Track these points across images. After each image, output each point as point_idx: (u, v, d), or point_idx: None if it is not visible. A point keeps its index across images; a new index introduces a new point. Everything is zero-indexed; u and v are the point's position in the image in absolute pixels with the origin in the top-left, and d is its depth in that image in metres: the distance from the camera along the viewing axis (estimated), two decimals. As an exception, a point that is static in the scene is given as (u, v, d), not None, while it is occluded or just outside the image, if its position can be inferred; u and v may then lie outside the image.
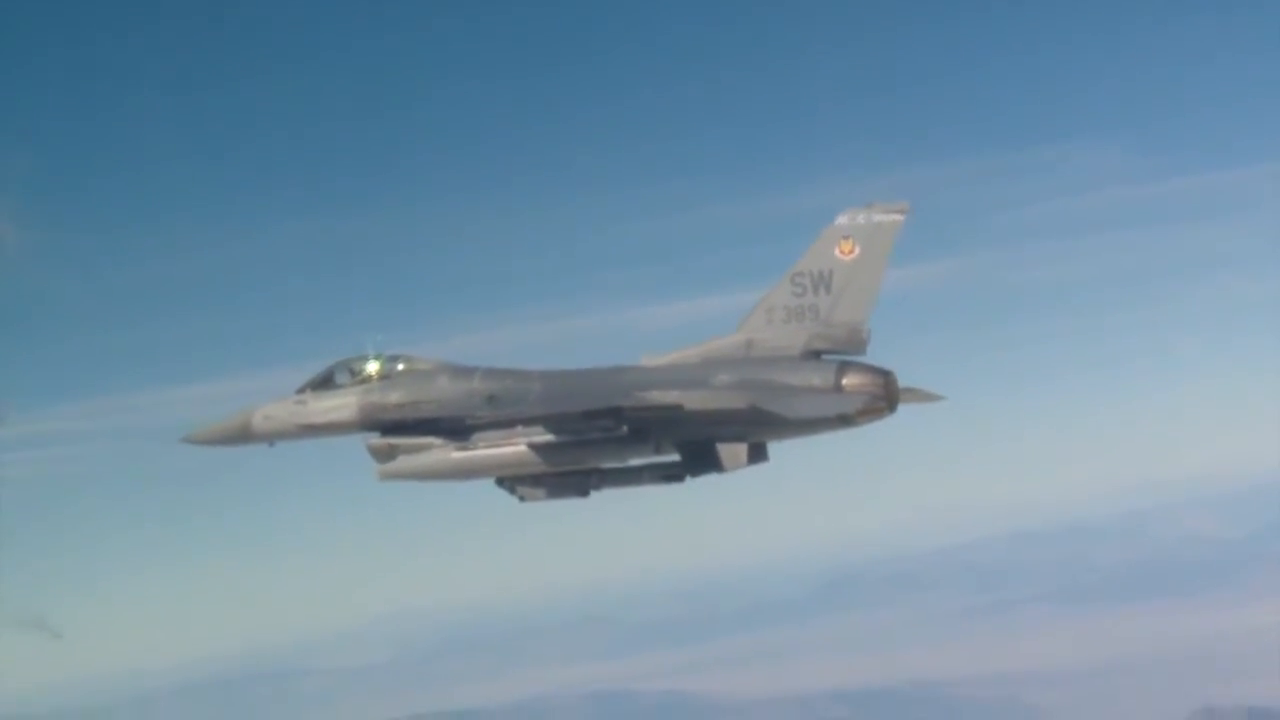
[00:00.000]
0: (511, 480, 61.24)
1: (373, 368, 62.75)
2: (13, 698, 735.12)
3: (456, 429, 60.81)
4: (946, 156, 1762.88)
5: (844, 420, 58.58)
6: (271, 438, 63.38)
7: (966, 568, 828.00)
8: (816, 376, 58.34)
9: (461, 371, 62.16)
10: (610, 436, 59.05)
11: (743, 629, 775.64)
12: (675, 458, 60.34)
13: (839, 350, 59.03)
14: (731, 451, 59.66)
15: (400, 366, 62.81)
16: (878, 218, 58.65)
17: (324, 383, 62.91)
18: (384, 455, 61.83)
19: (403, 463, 61.44)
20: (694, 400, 58.63)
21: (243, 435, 63.63)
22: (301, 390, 63.13)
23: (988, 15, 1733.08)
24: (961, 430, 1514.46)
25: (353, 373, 62.91)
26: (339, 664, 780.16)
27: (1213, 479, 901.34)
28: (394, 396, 62.29)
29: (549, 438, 59.17)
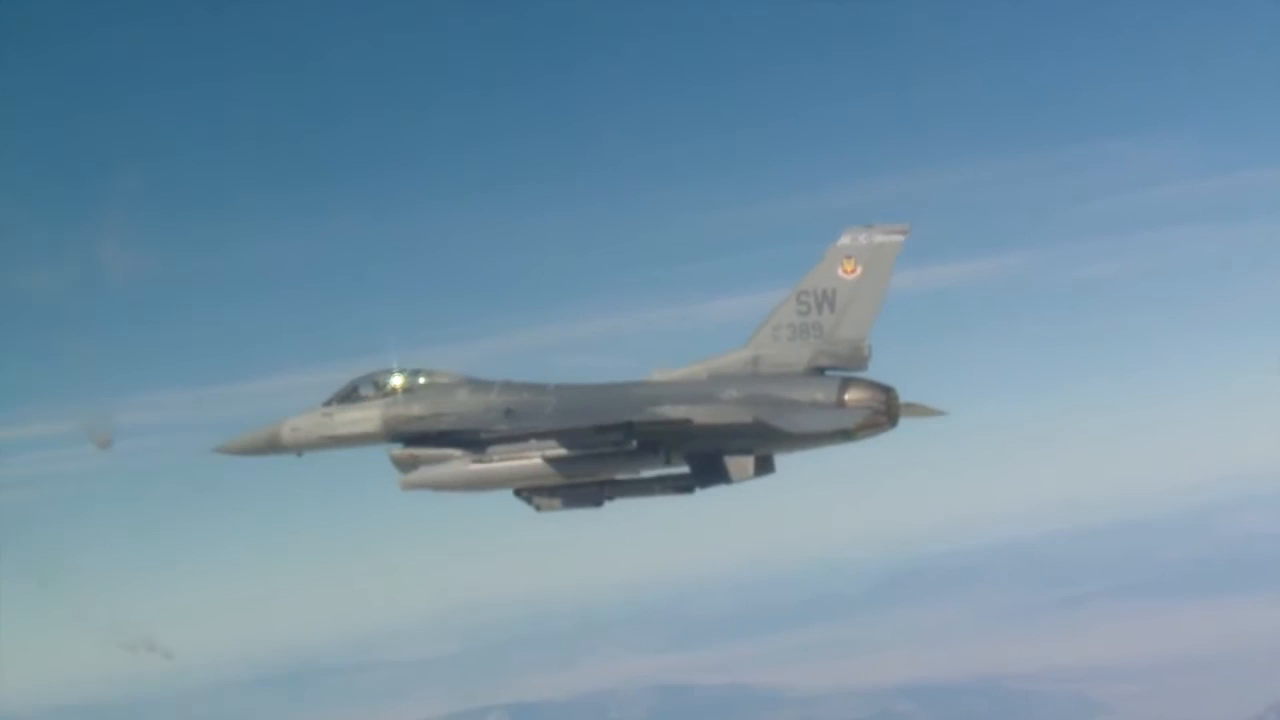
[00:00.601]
0: (528, 491, 63.06)
1: (396, 381, 64.70)
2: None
3: (475, 441, 62.48)
4: (1010, 150, 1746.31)
5: (845, 434, 60.67)
6: (300, 448, 65.54)
7: (1031, 563, 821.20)
8: (820, 392, 60.43)
9: (480, 385, 64.19)
10: (621, 450, 60.56)
11: (805, 623, 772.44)
12: (685, 469, 62.26)
13: (842, 366, 60.95)
14: (739, 464, 61.75)
15: (422, 380, 64.78)
16: (879, 238, 60.38)
17: (349, 396, 64.92)
18: (406, 465, 63.72)
19: (424, 473, 63.29)
20: (702, 415, 60.53)
21: (272, 446, 65.85)
22: (328, 403, 64.97)
23: (1053, 13, 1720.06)
24: (1027, 424, 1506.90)
25: (376, 386, 64.81)
26: (407, 657, 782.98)
27: (1275, 476, 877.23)
28: (416, 409, 64.19)
29: (563, 451, 60.75)
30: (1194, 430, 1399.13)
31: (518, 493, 63.69)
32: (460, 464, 62.86)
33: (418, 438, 64.15)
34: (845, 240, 60.87)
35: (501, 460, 62.10)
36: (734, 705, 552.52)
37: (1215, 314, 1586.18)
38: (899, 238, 60.87)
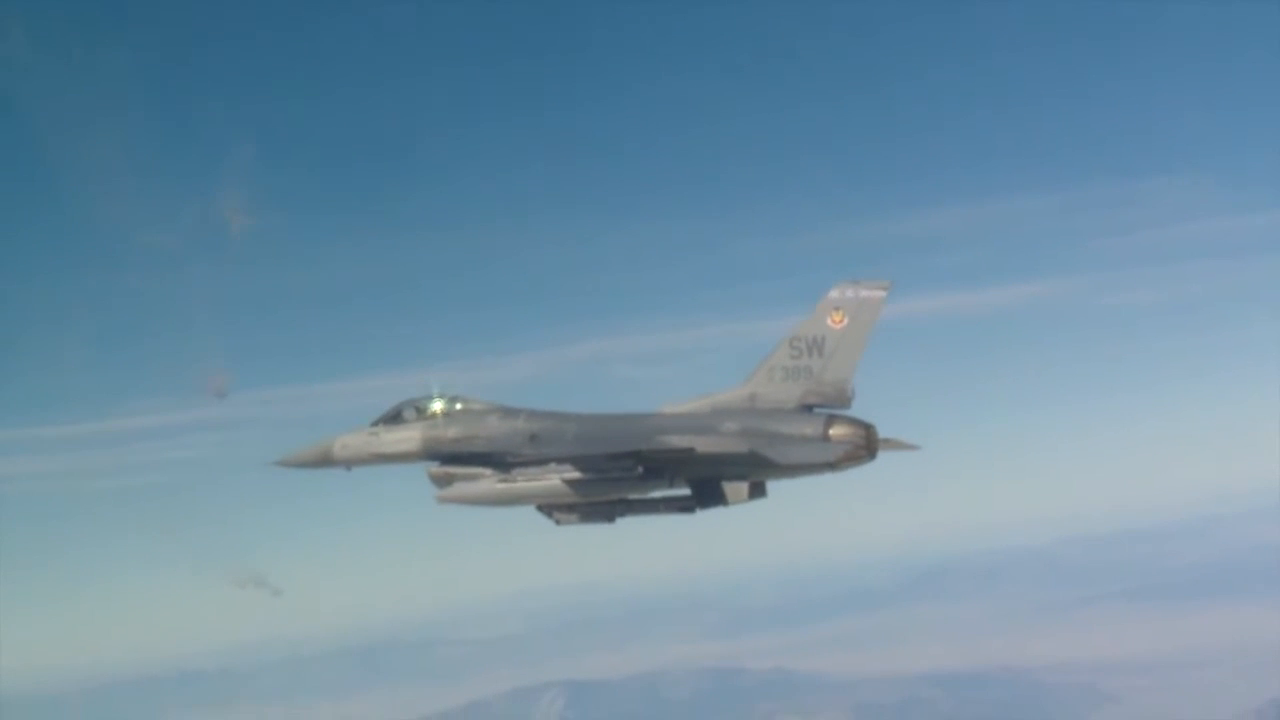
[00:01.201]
0: (549, 507, 64.33)
1: (435, 406, 66.23)
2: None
3: (502, 462, 64.19)
4: (1056, 187, 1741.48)
5: (829, 466, 62.13)
6: (349, 463, 67.13)
7: (1049, 565, 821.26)
8: (808, 427, 61.70)
9: (509, 412, 65.67)
10: (630, 475, 61.93)
11: (841, 615, 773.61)
12: (686, 492, 63.85)
13: (828, 404, 62.25)
14: (735, 489, 63.24)
15: (458, 406, 66.28)
16: (864, 293, 61.81)
17: (393, 418, 66.50)
18: (442, 482, 65.09)
19: (457, 489, 64.63)
20: (703, 444, 62.09)
21: (324, 460, 67.47)
22: (375, 423, 66.68)
23: (1097, 60, 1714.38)
24: (1058, 435, 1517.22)
25: (418, 410, 66.35)
26: (472, 636, 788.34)
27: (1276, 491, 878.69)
28: (451, 432, 65.63)
29: (579, 474, 62.06)
30: (1201, 447, 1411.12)
31: (540, 508, 64.68)
32: (489, 483, 63.95)
33: (452, 457, 65.35)
34: (834, 294, 62.13)
35: (525, 481, 63.29)
36: (776, 688, 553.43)
37: (1234, 339, 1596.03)
38: (882, 294, 61.95)
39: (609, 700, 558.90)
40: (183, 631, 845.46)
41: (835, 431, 61.46)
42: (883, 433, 62.74)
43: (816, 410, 62.13)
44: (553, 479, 62.72)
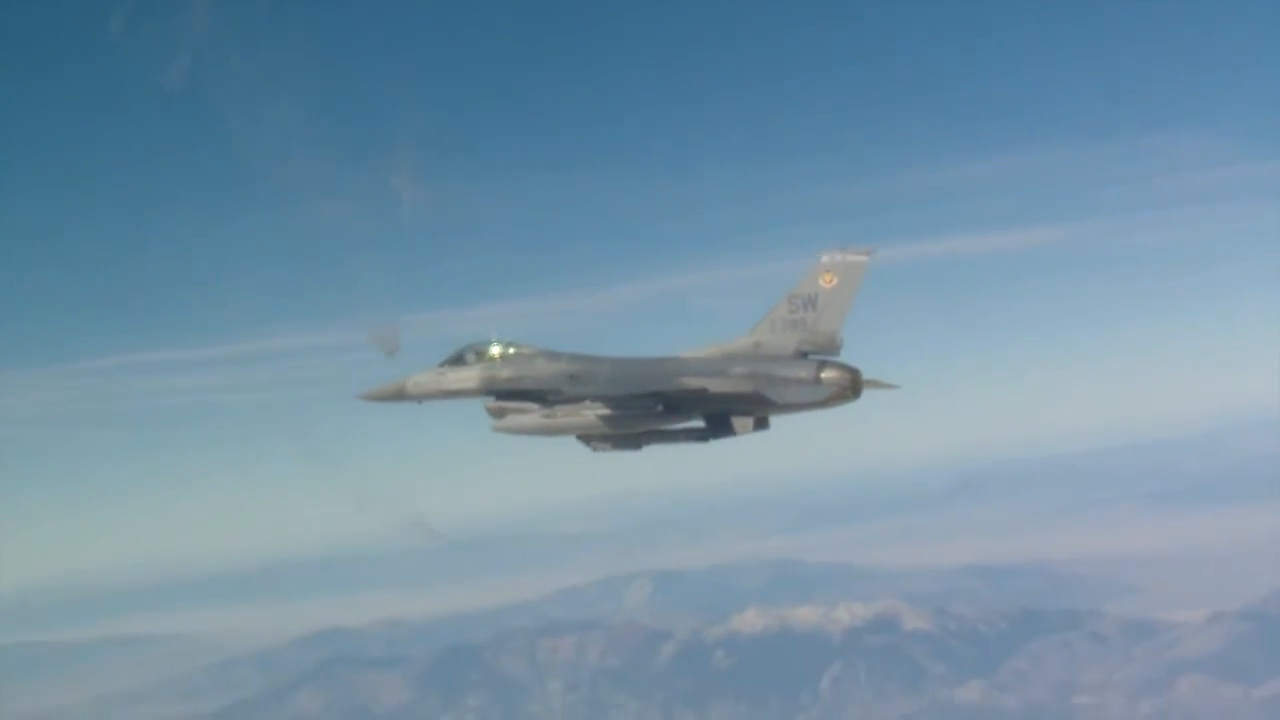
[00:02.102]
0: (586, 436, 65.69)
1: (493, 351, 67.65)
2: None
3: (546, 399, 65.83)
4: (1072, 141, 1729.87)
5: (820, 404, 63.43)
6: (420, 398, 68.57)
7: (1074, 473, 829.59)
8: (803, 371, 62.70)
9: (554, 356, 67.20)
10: (652, 411, 64.03)
11: (893, 516, 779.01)
12: (701, 424, 65.33)
13: (820, 351, 63.27)
14: (741, 422, 64.63)
15: (511, 350, 67.53)
16: (850, 258, 62.59)
17: (457, 360, 68.02)
18: (497, 414, 66.59)
19: (510, 420, 66.20)
20: (715, 385, 63.68)
21: (399, 395, 68.92)
22: (442, 364, 68.08)
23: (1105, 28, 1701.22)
24: (1080, 361, 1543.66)
25: (477, 354, 67.83)
26: (567, 531, 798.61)
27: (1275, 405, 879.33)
28: (505, 373, 67.03)
29: (609, 411, 64.16)
30: (1210, 367, 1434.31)
31: (579, 438, 65.73)
32: (535, 416, 65.35)
33: (505, 394, 66.67)
34: (825, 258, 62.90)
35: (565, 416, 64.68)
36: (835, 578, 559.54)
37: (1228, 275, 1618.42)
38: (865, 258, 62.60)
39: (689, 588, 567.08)
40: (322, 522, 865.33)
41: (826, 375, 62.50)
42: (870, 374, 63.98)
43: (811, 356, 63.39)
44: (589, 414, 64.44)
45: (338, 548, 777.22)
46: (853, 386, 63.03)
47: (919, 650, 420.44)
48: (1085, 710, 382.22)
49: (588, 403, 64.74)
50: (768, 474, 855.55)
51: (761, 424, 65.25)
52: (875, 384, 64.86)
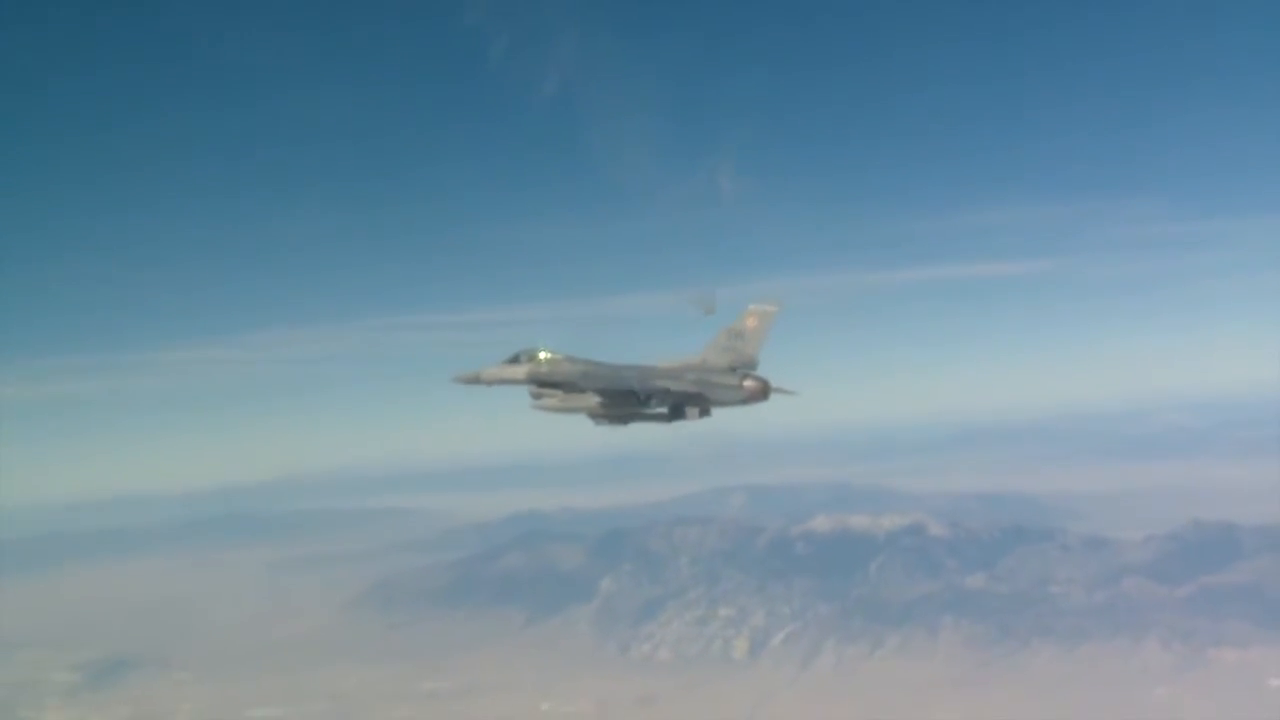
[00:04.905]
0: (591, 415, 76.24)
1: (540, 355, 77.28)
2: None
3: (566, 389, 76.99)
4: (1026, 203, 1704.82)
5: (742, 402, 73.50)
6: (491, 383, 78.50)
7: (1047, 432, 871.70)
8: (732, 380, 73.11)
9: (574, 360, 77.47)
10: (632, 402, 74.70)
11: (916, 455, 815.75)
12: (665, 411, 75.39)
13: (744, 367, 73.72)
14: (692, 412, 74.52)
15: (547, 355, 77.24)
16: (766, 309, 72.68)
17: (514, 360, 78.03)
18: (536, 396, 77.62)
19: (542, 401, 77.04)
20: (674, 386, 74.10)
21: (476, 380, 79.26)
22: (504, 362, 78.44)
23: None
24: (1053, 350, 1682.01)
25: (528, 356, 77.98)
26: (664, 450, 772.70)
27: (1188, 390, 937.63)
28: (543, 370, 77.45)
29: (605, 400, 75.37)
30: (1143, 360, 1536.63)
31: (587, 415, 75.28)
32: (557, 399, 75.84)
33: (542, 383, 76.31)
34: (751, 309, 72.69)
35: (577, 401, 74.92)
36: (878, 497, 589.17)
37: (1173, 299, 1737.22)
38: (775, 309, 72.31)
39: (774, 498, 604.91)
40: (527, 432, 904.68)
41: (746, 384, 72.11)
42: (777, 381, 72.66)
43: (737, 370, 72.70)
44: (592, 400, 74.37)
45: (535, 455, 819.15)
46: (763, 391, 73.15)
47: (938, 550, 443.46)
48: (1057, 597, 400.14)
49: (591, 394, 75.29)
50: (825, 423, 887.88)
51: (705, 413, 75.21)
52: (781, 390, 74.55)
